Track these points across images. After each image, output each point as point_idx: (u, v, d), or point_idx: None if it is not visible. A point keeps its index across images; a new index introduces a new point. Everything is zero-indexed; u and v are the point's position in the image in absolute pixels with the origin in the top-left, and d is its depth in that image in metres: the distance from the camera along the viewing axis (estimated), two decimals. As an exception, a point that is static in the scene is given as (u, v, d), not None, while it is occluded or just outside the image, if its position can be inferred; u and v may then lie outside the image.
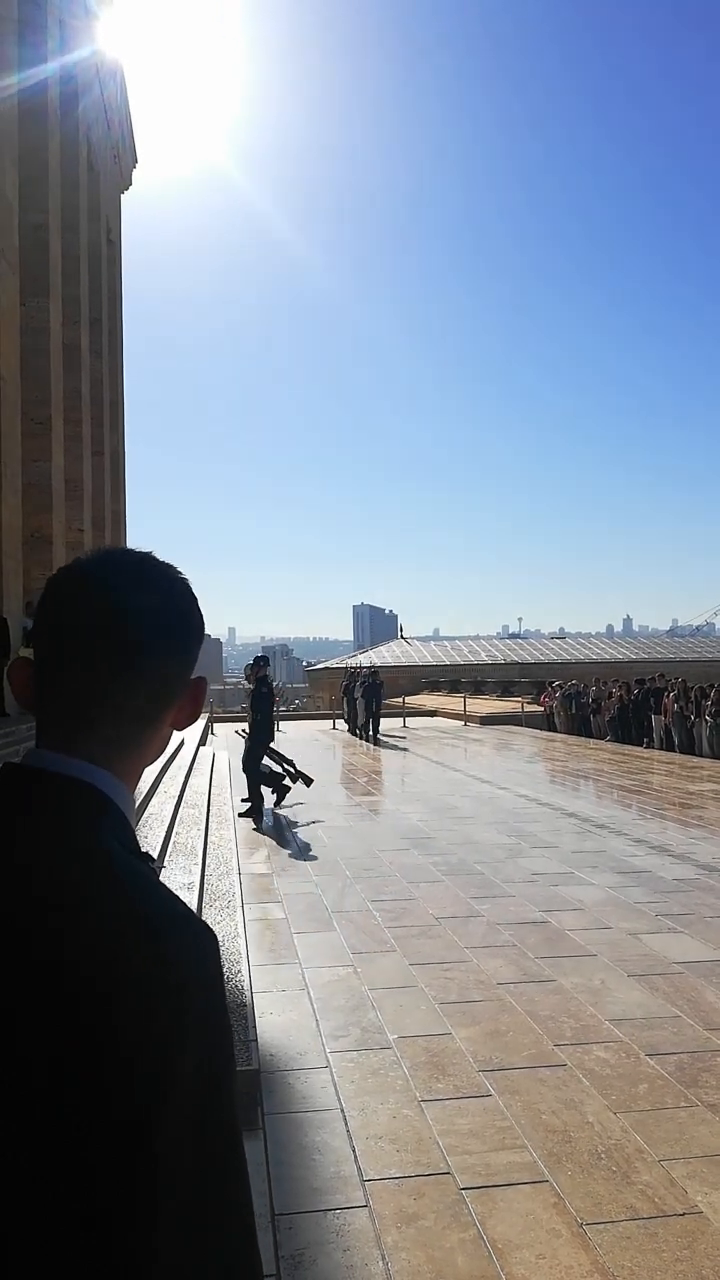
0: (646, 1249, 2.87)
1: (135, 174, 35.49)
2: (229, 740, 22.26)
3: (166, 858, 7.40)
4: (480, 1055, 4.27)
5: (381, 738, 23.64)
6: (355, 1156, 3.40)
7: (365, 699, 24.17)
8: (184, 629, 0.89)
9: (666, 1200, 3.13)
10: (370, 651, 55.54)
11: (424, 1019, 4.72)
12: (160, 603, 0.88)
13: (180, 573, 0.92)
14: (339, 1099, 3.86)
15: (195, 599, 0.92)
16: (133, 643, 0.84)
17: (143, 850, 0.84)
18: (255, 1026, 4.43)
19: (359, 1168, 3.33)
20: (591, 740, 22.54)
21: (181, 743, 15.61)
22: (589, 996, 5.02)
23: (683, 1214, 3.06)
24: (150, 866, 0.82)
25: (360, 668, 31.25)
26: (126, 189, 35.38)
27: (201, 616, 0.92)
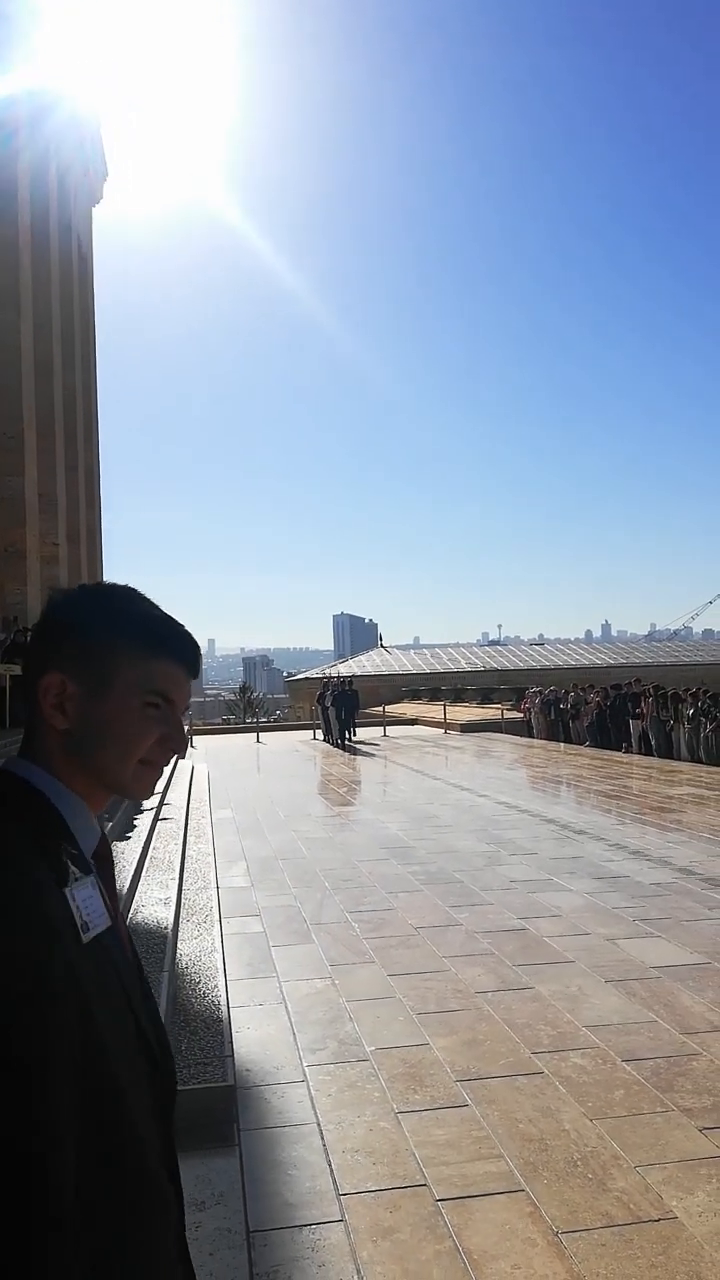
0: (622, 1256, 2.87)
1: (107, 188, 35.48)
2: (209, 752, 22.17)
3: (143, 873, 7.36)
4: (458, 1065, 4.26)
5: (360, 746, 23.64)
6: (331, 1170, 3.38)
7: (336, 707, 24.27)
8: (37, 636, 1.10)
9: (642, 1206, 3.13)
10: (350, 661, 55.53)
11: (402, 1030, 4.71)
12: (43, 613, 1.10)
13: (87, 592, 1.12)
14: (315, 1113, 3.84)
15: (72, 611, 1.09)
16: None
17: (68, 849, 1.00)
18: (231, 1041, 4.40)
19: (335, 1182, 3.31)
20: (570, 746, 22.62)
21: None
22: (566, 1003, 5.03)
23: (658, 1220, 3.06)
24: (60, 863, 0.98)
25: (338, 677, 31.29)
26: (98, 203, 35.36)
27: (76, 626, 1.07)
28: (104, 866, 1.08)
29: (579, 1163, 3.41)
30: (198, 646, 1.12)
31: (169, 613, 1.12)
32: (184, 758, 18.31)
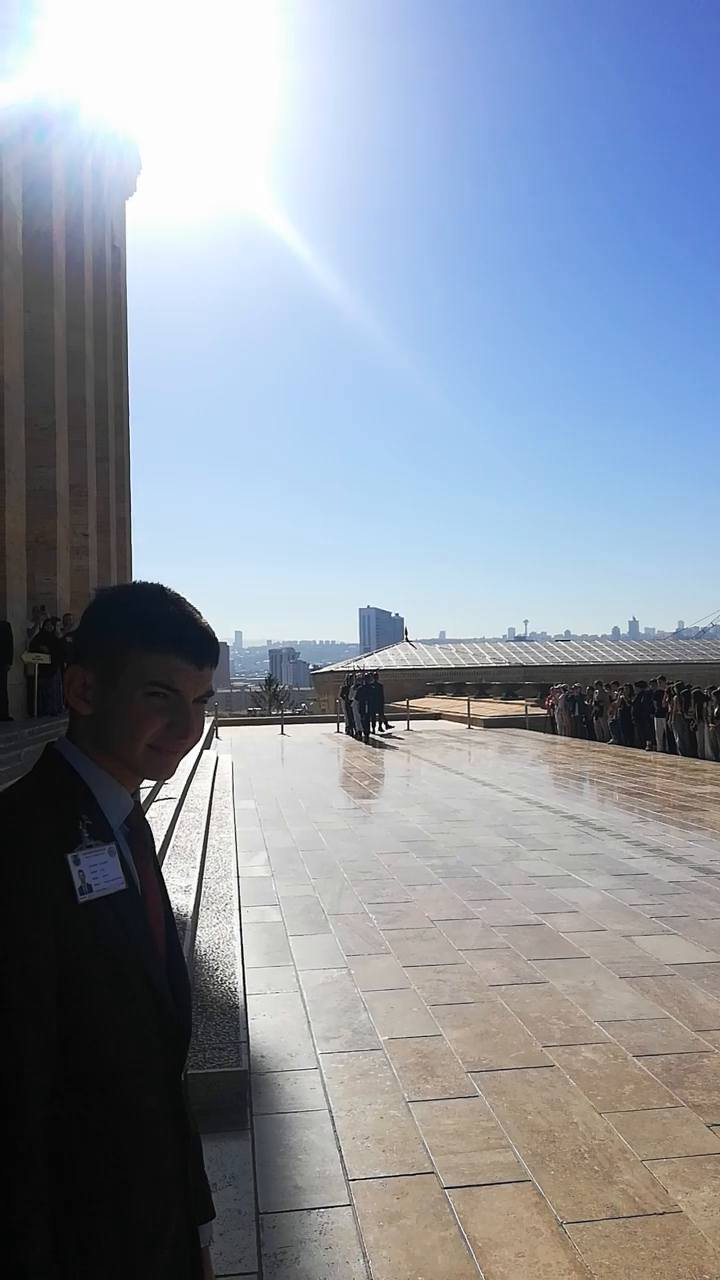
0: (625, 1248, 2.91)
1: (140, 181, 35.65)
2: (234, 744, 22.33)
3: (165, 861, 7.46)
4: (469, 1056, 4.31)
5: (383, 740, 23.68)
6: (341, 1156, 3.44)
7: (360, 701, 24.37)
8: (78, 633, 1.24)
9: (647, 1200, 3.16)
10: (375, 654, 55.55)
11: (415, 1021, 4.76)
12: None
13: (109, 593, 1.23)
14: (327, 1100, 3.90)
15: (92, 612, 1.22)
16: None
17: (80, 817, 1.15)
18: (247, 1028, 4.47)
19: (344, 1167, 3.37)
20: (594, 743, 22.53)
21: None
22: (580, 998, 5.06)
23: (662, 1213, 3.09)
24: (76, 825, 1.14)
25: (361, 671, 31.40)
26: (131, 195, 35.53)
27: (92, 625, 1.21)
28: (136, 835, 1.22)
29: (586, 1155, 3.44)
30: (205, 639, 1.20)
31: (192, 608, 1.22)
32: (200, 745, 18.45)
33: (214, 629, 1.25)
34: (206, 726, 23.54)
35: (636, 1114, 3.76)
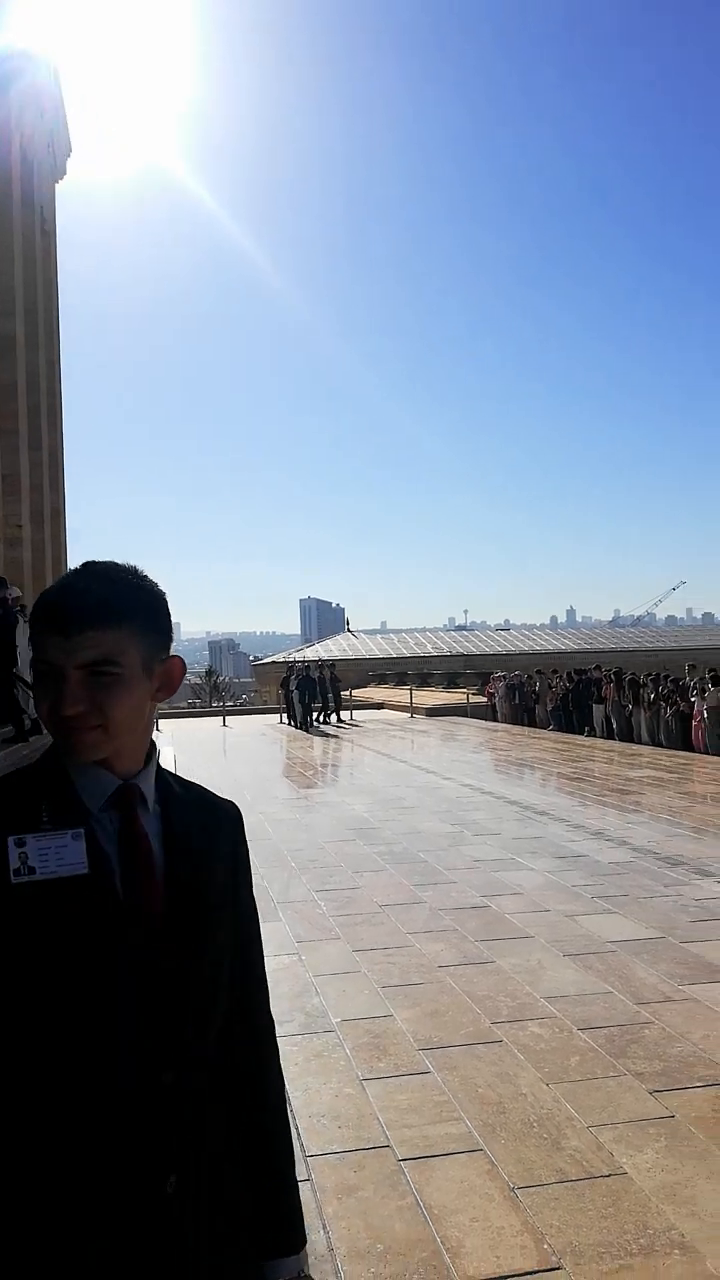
0: (574, 1208, 3.03)
1: (70, 164, 34.91)
2: (175, 736, 22.18)
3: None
4: (420, 1035, 4.41)
5: (327, 730, 23.77)
6: (299, 1133, 3.51)
7: (300, 692, 24.50)
8: None
9: (593, 1163, 3.29)
10: (318, 645, 55.58)
11: (366, 1002, 4.85)
12: None
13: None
14: (283, 1079, 3.95)
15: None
16: None
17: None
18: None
19: (302, 1144, 3.44)
20: (534, 730, 22.92)
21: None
22: (526, 976, 5.20)
23: (609, 1175, 3.22)
24: None
25: (302, 662, 31.48)
26: (61, 179, 34.79)
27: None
28: (123, 816, 1.20)
29: (535, 1124, 3.57)
30: (70, 603, 1.15)
31: (95, 574, 1.18)
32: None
33: (113, 592, 1.16)
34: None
35: (582, 1084, 3.90)
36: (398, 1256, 2.81)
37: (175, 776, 1.32)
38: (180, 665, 1.25)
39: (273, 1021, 1.42)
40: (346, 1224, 2.95)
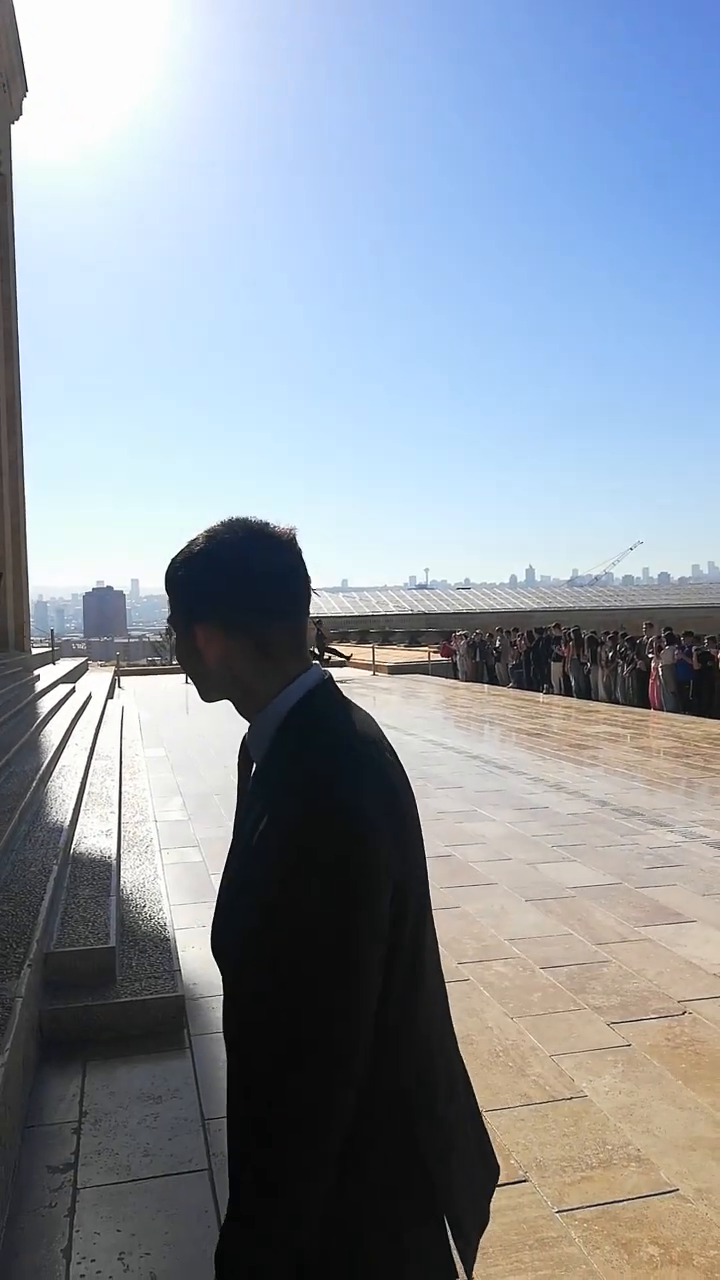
0: (539, 1128, 3.25)
1: (28, 104, 33.72)
2: (138, 693, 22.16)
3: (82, 807, 7.52)
4: (390, 975, 4.60)
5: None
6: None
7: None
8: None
9: (556, 1088, 3.52)
10: (278, 603, 55.45)
11: (338, 946, 5.03)
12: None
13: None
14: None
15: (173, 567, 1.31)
16: None
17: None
18: (179, 958, 4.65)
19: (281, 1076, 3.62)
20: (494, 687, 23.27)
21: (89, 696, 15.54)
22: (490, 920, 5.43)
23: (570, 1098, 3.45)
24: None
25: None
26: (17, 119, 33.63)
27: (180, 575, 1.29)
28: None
29: (500, 1054, 3.78)
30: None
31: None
32: (105, 694, 18.31)
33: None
34: (108, 676, 23.38)
35: (544, 1017, 4.12)
36: (375, 1173, 3.00)
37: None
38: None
39: None
40: (326, 1145, 3.13)
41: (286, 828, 1.09)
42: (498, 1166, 1.39)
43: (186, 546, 1.27)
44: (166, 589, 1.29)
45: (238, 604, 1.23)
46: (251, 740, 1.30)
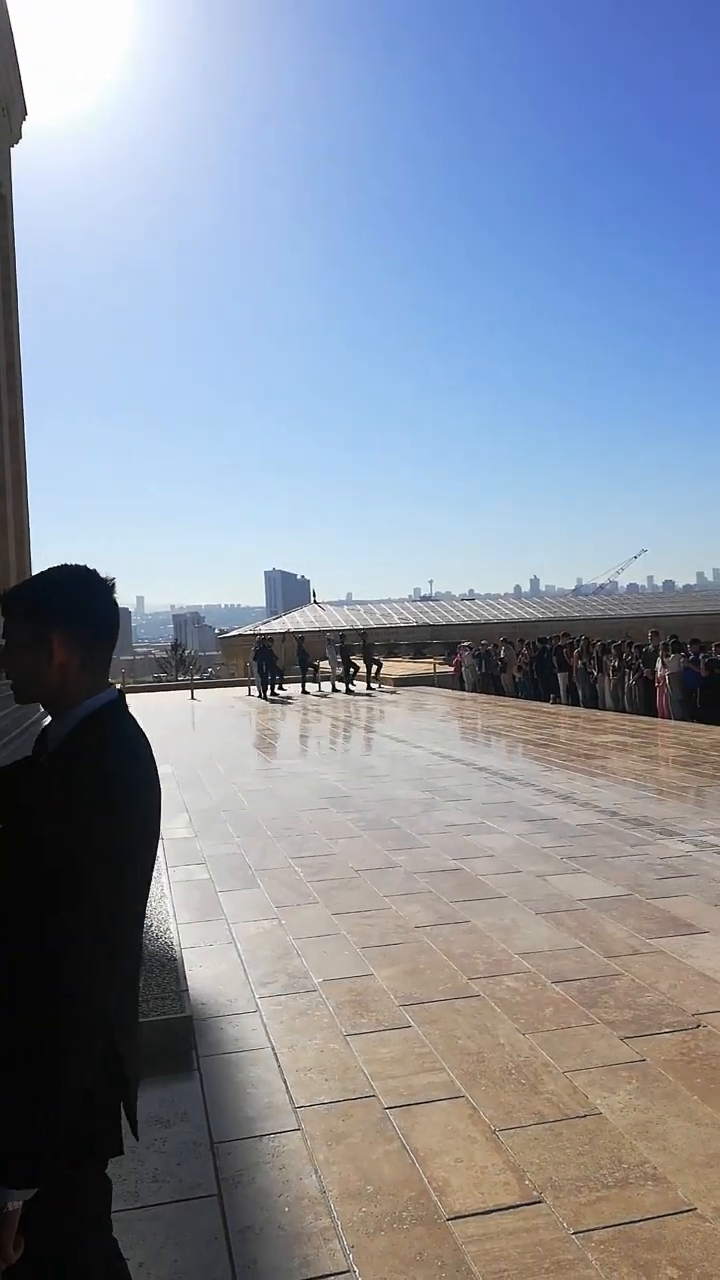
0: (552, 1147, 3.20)
1: (27, 128, 34.03)
2: (142, 710, 22.15)
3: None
4: (400, 991, 4.56)
5: (295, 701, 23.87)
6: (287, 1087, 3.64)
7: (257, 663, 25.02)
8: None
9: (570, 1105, 3.47)
10: (284, 617, 55.48)
11: (346, 962, 4.99)
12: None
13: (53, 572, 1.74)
14: (269, 1038, 4.09)
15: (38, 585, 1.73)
16: None
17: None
18: (185, 978, 4.62)
19: (290, 1097, 3.57)
20: (500, 698, 23.20)
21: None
22: (500, 934, 5.37)
23: (584, 1116, 3.40)
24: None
25: (269, 635, 31.68)
26: (17, 142, 33.93)
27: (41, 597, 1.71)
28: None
29: (513, 1071, 3.73)
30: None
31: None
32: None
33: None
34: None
35: (557, 1032, 4.07)
36: (387, 1196, 2.95)
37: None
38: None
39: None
40: (337, 1168, 3.09)
41: (69, 796, 1.53)
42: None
43: (47, 574, 1.69)
44: (27, 604, 1.65)
45: (89, 625, 1.67)
46: (51, 731, 1.71)
